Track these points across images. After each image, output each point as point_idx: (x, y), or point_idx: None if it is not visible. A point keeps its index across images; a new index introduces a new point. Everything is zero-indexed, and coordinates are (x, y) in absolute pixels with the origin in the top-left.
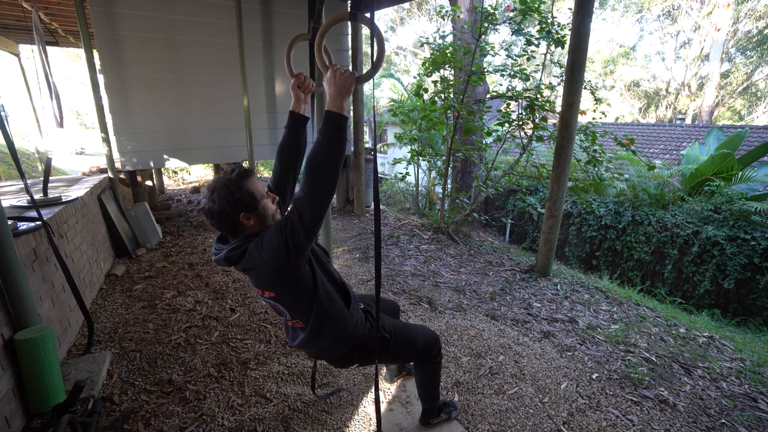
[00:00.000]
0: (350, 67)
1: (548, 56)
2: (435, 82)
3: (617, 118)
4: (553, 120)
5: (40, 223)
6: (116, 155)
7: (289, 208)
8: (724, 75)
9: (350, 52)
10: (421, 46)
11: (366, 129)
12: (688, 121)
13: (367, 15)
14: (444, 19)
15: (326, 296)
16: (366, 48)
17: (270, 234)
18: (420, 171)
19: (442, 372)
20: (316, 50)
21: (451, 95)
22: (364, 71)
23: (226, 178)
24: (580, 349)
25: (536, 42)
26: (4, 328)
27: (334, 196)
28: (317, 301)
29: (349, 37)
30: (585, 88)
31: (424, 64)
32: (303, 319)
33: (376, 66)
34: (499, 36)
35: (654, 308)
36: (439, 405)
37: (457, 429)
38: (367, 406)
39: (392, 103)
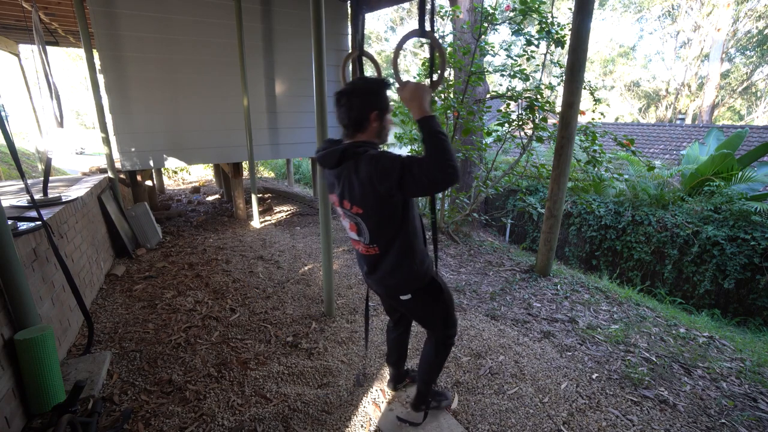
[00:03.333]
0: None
1: (548, 56)
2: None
3: (617, 118)
4: (553, 120)
5: (40, 223)
6: (116, 155)
7: (419, 158)
8: (724, 75)
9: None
10: (421, 46)
11: None
12: (688, 121)
13: (432, 32)
14: (444, 19)
15: (413, 228)
16: (366, 48)
17: (391, 158)
18: None
19: (441, 372)
20: (393, 66)
21: (451, 95)
22: (364, 71)
23: (374, 79)
24: (580, 349)
25: (536, 42)
26: (4, 328)
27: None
28: (403, 230)
29: (349, 37)
30: (585, 88)
31: (424, 64)
32: (381, 245)
33: (441, 76)
34: (499, 36)
35: (654, 308)
36: (432, 392)
37: (457, 429)
38: (367, 406)
39: (392, 103)
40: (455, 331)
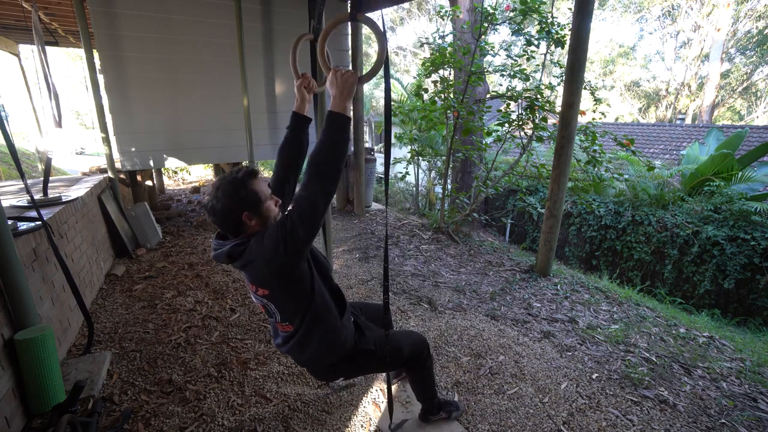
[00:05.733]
0: (350, 67)
1: (548, 56)
2: (435, 83)
3: (617, 118)
4: (553, 120)
5: (40, 223)
6: (116, 155)
7: (290, 207)
8: (724, 75)
9: (350, 52)
10: (421, 46)
11: (366, 129)
12: (688, 121)
13: (369, 15)
14: (444, 19)
15: (322, 301)
16: (366, 48)
17: (271, 231)
18: (420, 171)
19: (441, 372)
20: (319, 52)
21: (451, 95)
22: (365, 71)
23: (231, 177)
24: (580, 349)
25: (536, 42)
26: (4, 328)
27: (334, 195)
28: (312, 306)
29: (350, 36)
30: (585, 88)
31: (423, 64)
32: (294, 322)
33: (376, 65)
34: (499, 36)
35: (654, 308)
36: (438, 402)
37: (457, 429)
38: (367, 406)
39: (392, 103)
40: (424, 353)
